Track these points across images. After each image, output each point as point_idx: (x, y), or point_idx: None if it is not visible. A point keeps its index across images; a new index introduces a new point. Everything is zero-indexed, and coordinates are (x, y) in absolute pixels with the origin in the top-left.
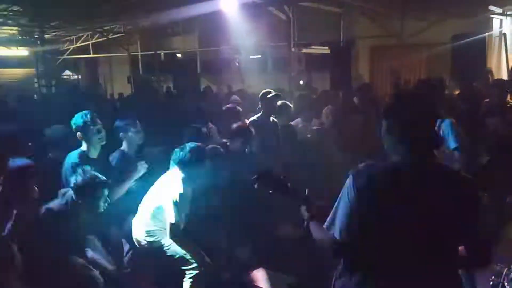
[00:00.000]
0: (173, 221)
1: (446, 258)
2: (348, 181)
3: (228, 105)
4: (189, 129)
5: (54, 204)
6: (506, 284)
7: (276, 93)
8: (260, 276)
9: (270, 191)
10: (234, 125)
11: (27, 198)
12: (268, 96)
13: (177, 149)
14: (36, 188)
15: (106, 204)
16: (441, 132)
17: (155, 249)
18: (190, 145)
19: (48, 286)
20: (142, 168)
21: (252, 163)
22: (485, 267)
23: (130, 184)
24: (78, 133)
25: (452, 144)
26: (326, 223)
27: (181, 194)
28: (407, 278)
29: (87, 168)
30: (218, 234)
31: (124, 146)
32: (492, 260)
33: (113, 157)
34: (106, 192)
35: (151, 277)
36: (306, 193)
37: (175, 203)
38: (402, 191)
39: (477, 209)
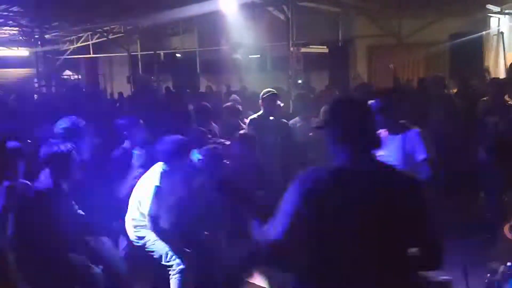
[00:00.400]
0: (148, 213)
1: (394, 260)
2: (292, 186)
3: (227, 104)
4: (193, 130)
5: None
6: (502, 282)
7: (273, 91)
8: (258, 275)
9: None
10: (240, 132)
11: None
12: (266, 95)
13: (160, 140)
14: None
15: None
16: (406, 143)
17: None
18: (171, 137)
19: (46, 284)
20: (138, 156)
21: (251, 162)
22: (437, 269)
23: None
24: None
25: (419, 155)
26: (267, 225)
27: (156, 187)
28: (351, 281)
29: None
30: (217, 233)
31: (126, 145)
32: (443, 262)
33: (115, 155)
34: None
35: (149, 276)
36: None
37: (150, 196)
38: (344, 193)
39: (423, 208)
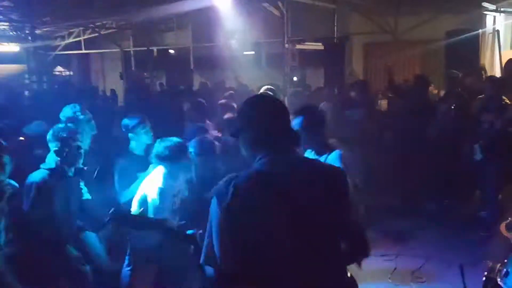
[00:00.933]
0: (153, 215)
1: (327, 255)
2: (212, 204)
3: (222, 101)
4: (190, 127)
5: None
6: (498, 280)
7: (269, 87)
8: None
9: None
10: (225, 116)
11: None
12: (264, 91)
13: (156, 143)
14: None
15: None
16: None
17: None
18: (169, 140)
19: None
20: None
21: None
22: (365, 257)
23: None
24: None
25: None
26: (201, 259)
27: (160, 189)
28: (293, 282)
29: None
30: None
31: (132, 146)
32: (370, 251)
33: (121, 157)
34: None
35: (150, 278)
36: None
37: (154, 199)
38: (269, 193)
39: (346, 199)
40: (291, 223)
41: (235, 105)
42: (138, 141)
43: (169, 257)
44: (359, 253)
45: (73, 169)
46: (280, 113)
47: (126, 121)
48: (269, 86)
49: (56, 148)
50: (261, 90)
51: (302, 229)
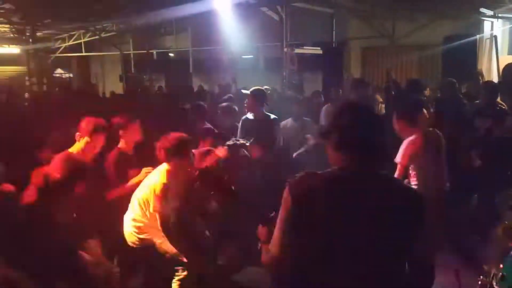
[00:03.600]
0: (157, 212)
1: (389, 274)
2: (285, 192)
3: (223, 104)
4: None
5: None
6: (494, 284)
7: (258, 88)
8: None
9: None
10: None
11: None
12: (252, 92)
13: (161, 139)
14: None
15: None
16: None
17: (146, 249)
18: (172, 135)
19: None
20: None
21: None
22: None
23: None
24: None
25: None
26: (270, 244)
27: (164, 185)
28: None
29: None
30: (205, 231)
31: (121, 144)
32: (433, 282)
33: (110, 155)
34: None
35: (139, 278)
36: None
37: (158, 195)
38: (341, 201)
39: (421, 223)
40: (351, 235)
41: (236, 108)
42: (128, 139)
43: None
44: (422, 282)
45: None
46: (368, 123)
47: (116, 119)
48: (258, 87)
49: None
50: (250, 91)
51: (360, 244)
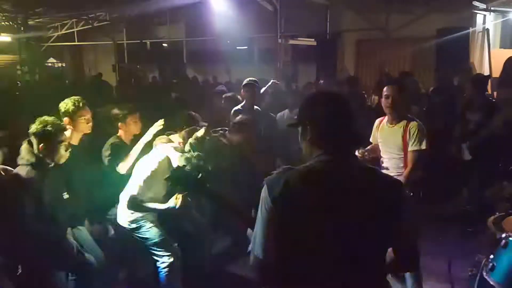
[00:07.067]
0: (134, 193)
1: (373, 262)
2: (263, 192)
3: (227, 94)
4: (182, 115)
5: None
6: (484, 274)
7: (251, 79)
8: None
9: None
10: (237, 119)
11: None
12: (246, 83)
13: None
14: None
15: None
16: None
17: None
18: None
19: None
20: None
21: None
22: (412, 271)
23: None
24: (66, 118)
25: None
26: (250, 246)
27: (153, 171)
28: (328, 283)
29: None
30: (201, 222)
31: (120, 134)
32: (419, 265)
33: (108, 143)
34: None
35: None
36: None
37: (145, 179)
38: (320, 193)
39: (403, 210)
40: (335, 226)
41: (239, 98)
42: (127, 130)
43: None
44: (406, 266)
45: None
46: (347, 113)
47: (116, 110)
48: (252, 79)
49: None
50: (243, 83)
51: (344, 234)
